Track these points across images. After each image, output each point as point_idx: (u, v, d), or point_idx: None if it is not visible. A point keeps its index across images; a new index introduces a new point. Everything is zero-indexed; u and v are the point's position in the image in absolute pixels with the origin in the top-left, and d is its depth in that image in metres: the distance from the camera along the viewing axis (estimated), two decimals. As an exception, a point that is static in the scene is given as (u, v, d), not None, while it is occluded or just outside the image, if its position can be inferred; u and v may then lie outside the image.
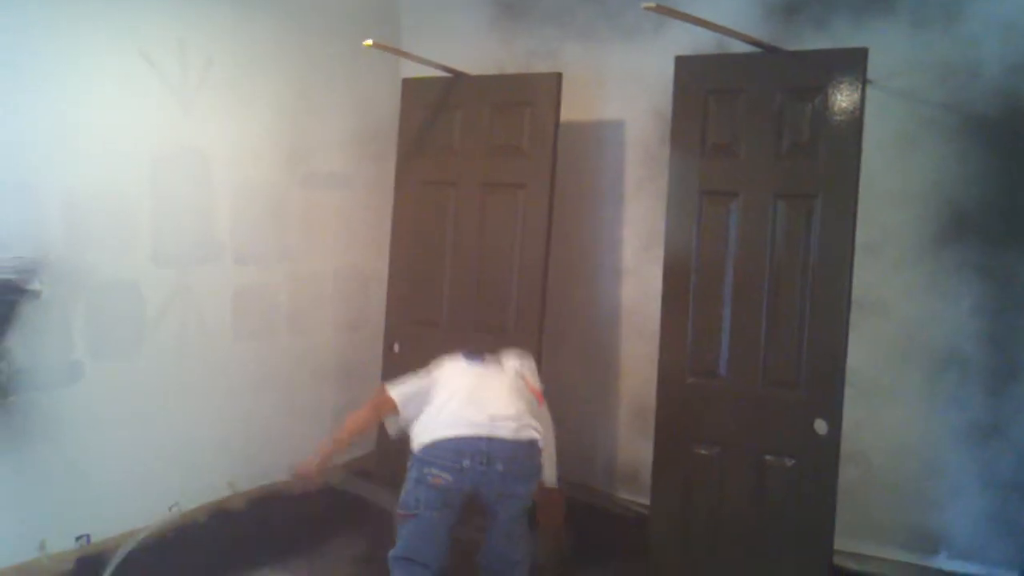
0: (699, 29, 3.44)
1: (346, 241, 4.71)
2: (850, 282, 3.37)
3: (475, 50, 4.70)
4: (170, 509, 3.92)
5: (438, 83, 4.40)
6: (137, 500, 3.82)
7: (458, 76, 4.36)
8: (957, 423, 3.67)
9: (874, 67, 3.46)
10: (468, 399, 3.24)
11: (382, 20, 4.90)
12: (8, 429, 3.38)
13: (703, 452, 3.63)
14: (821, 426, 3.39)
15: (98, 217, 3.63)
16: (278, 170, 4.37)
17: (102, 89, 3.62)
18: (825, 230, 3.39)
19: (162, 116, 3.85)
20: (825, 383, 3.39)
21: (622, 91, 4.39)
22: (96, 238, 3.63)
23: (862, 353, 3.68)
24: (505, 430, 3.13)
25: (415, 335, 4.44)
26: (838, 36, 3.76)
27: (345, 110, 4.71)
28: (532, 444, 3.21)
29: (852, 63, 3.34)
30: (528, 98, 4.18)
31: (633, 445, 4.35)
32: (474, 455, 3.08)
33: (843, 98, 3.36)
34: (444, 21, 4.88)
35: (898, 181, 3.73)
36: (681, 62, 3.67)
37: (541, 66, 4.43)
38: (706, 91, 3.61)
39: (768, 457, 3.51)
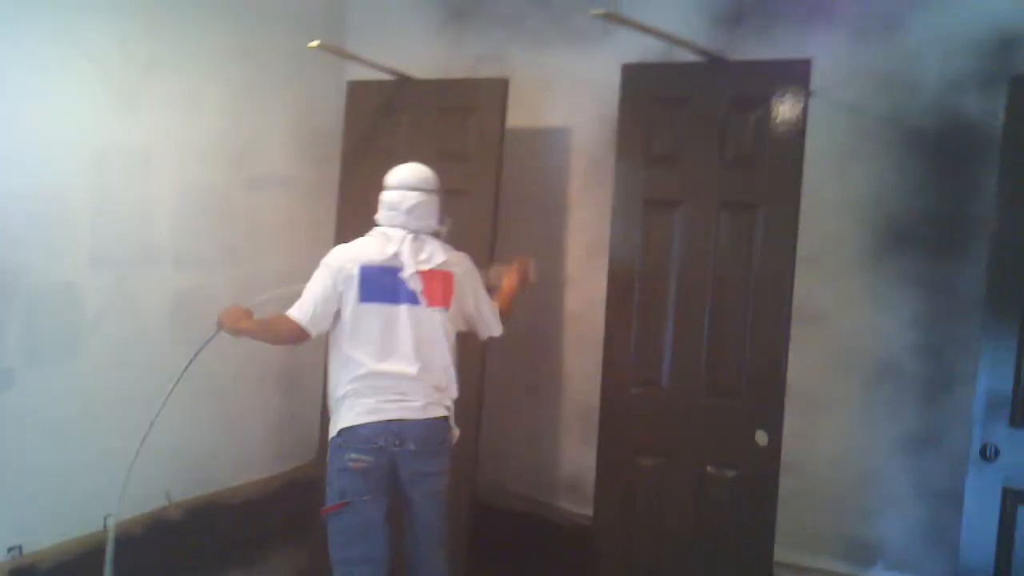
0: (648, 37, 3.44)
1: (290, 244, 4.64)
2: (791, 293, 3.38)
3: (422, 54, 4.65)
4: (105, 520, 3.82)
5: (384, 86, 4.35)
6: (71, 510, 3.74)
7: (404, 80, 4.32)
8: (893, 433, 3.70)
9: (816, 77, 3.46)
10: (377, 374, 3.12)
11: (329, 21, 4.84)
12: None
13: (646, 463, 3.63)
14: (762, 437, 3.40)
15: (32, 217, 3.54)
16: (222, 171, 4.30)
17: (37, 86, 3.53)
18: (767, 241, 3.40)
19: (102, 115, 3.78)
20: (766, 394, 3.40)
21: (569, 98, 4.37)
22: (30, 239, 3.54)
23: (801, 364, 3.67)
24: (413, 411, 3.12)
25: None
26: (782, 46, 3.78)
27: (290, 112, 4.65)
28: (441, 422, 3.20)
29: (796, 73, 3.36)
30: (474, 103, 4.14)
31: (576, 455, 4.34)
32: (387, 436, 3.09)
33: (787, 109, 3.38)
34: (391, 24, 4.83)
35: (838, 192, 3.76)
36: (627, 70, 3.66)
37: (489, 71, 4.39)
38: (652, 99, 3.60)
39: (710, 468, 3.51)
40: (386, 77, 4.33)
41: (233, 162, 4.35)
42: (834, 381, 3.80)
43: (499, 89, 4.10)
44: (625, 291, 3.65)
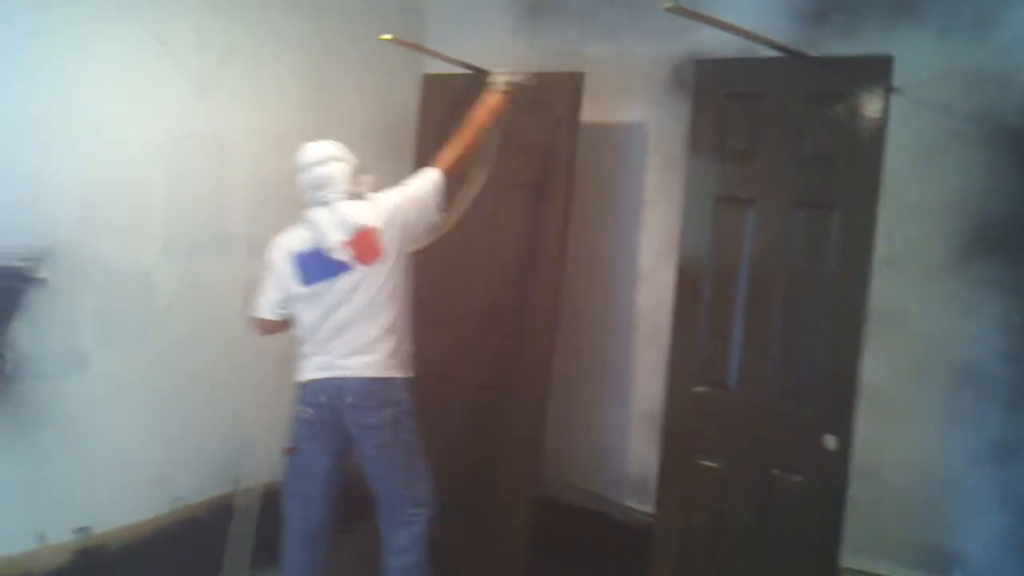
0: (724, 33, 3.37)
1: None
2: (867, 296, 3.28)
3: (500, 48, 4.64)
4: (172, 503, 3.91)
5: (459, 80, 4.34)
6: (140, 493, 3.82)
7: (479, 73, 4.31)
8: (975, 442, 3.57)
9: (901, 75, 3.35)
10: (321, 340, 3.38)
11: (407, 15, 4.86)
12: (12, 418, 3.37)
13: (710, 464, 3.55)
14: (831, 442, 3.30)
15: (110, 205, 3.61)
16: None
17: (116, 75, 3.59)
18: (843, 242, 3.30)
19: (177, 104, 3.82)
20: (837, 398, 3.30)
21: (645, 94, 4.32)
22: (107, 227, 3.61)
23: (880, 367, 3.60)
24: (353, 370, 3.34)
25: (431, 336, 4.35)
26: (866, 43, 3.68)
27: (366, 104, 4.68)
28: (378, 380, 3.37)
29: (876, 71, 3.25)
30: (549, 97, 4.10)
31: (644, 453, 4.29)
32: (329, 391, 3.36)
33: (866, 107, 3.27)
34: (469, 18, 4.84)
35: (922, 193, 3.65)
36: (700, 65, 3.59)
37: (564, 66, 4.35)
38: (725, 95, 3.52)
39: (775, 471, 3.43)
40: (461, 71, 4.33)
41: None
42: (914, 386, 3.69)
43: (574, 83, 4.06)
44: (694, 289, 3.59)
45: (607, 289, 4.46)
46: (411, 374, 3.52)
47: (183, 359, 3.93)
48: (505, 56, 4.55)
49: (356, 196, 3.40)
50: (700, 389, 3.57)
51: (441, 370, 4.30)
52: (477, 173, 3.82)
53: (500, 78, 3.74)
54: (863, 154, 3.27)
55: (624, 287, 4.40)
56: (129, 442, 3.76)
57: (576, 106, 4.05)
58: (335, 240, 3.32)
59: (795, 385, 3.40)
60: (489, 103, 3.70)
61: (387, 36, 3.89)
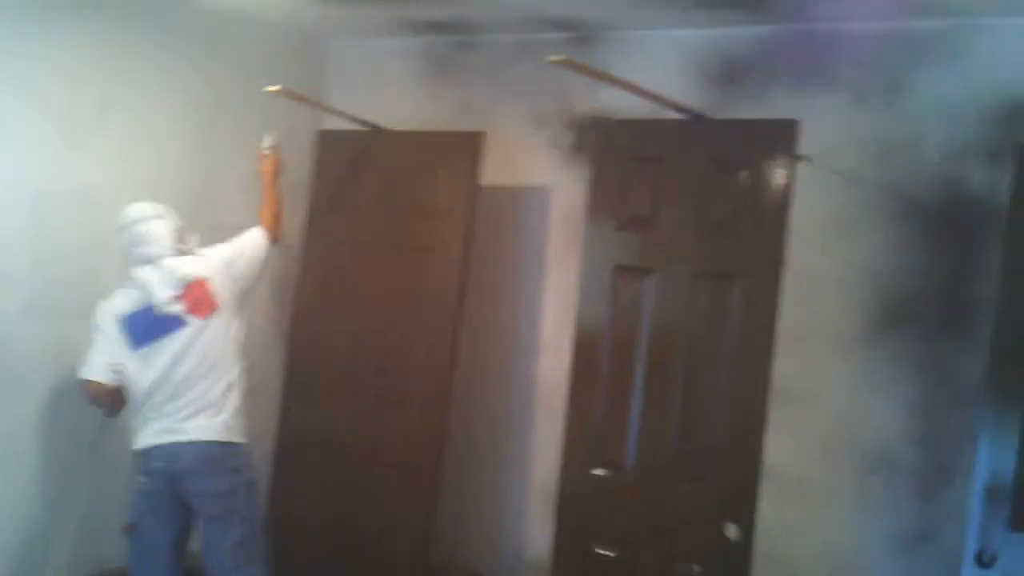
0: (633, 95, 3.23)
1: (252, 298, 4.38)
2: (770, 372, 3.09)
3: (402, 104, 4.44)
4: None
5: (355, 137, 4.14)
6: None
7: (376, 131, 4.11)
8: (886, 528, 3.38)
9: (812, 142, 3.24)
10: (158, 404, 3.23)
11: (303, 67, 4.63)
12: None
13: (605, 553, 3.30)
14: (732, 530, 3.07)
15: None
16: (183, 217, 4.04)
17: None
18: (746, 315, 3.13)
19: (45, 157, 3.56)
20: (739, 482, 3.09)
21: (550, 155, 4.13)
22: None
23: (787, 448, 3.40)
24: (191, 433, 3.19)
25: (315, 403, 4.12)
26: (777, 109, 3.52)
27: (256, 161, 4.43)
28: (217, 444, 3.23)
29: (782, 135, 3.11)
30: (447, 157, 3.92)
31: (543, 534, 3.94)
32: (163, 458, 3.19)
33: (771, 172, 3.12)
34: (371, 73, 4.63)
35: (831, 265, 3.50)
36: (602, 126, 3.43)
37: (471, 124, 4.16)
38: (626, 158, 3.36)
39: (673, 563, 3.19)
40: (359, 128, 4.12)
41: (196, 210, 4.11)
42: (823, 468, 3.49)
43: (474, 143, 3.87)
44: (589, 363, 3.38)
45: (507, 358, 4.22)
46: (247, 440, 3.37)
47: (45, 430, 3.59)
48: (408, 112, 4.38)
49: (183, 253, 3.32)
50: (596, 471, 3.34)
51: (323, 438, 4.05)
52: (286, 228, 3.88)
53: (271, 144, 3.94)
54: (767, 222, 3.11)
55: (524, 357, 4.17)
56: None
57: (476, 166, 3.85)
58: (164, 295, 3.20)
59: (695, 467, 3.19)
60: (272, 167, 3.89)
61: (274, 88, 3.66)
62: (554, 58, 2.82)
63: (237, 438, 3.28)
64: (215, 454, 3.22)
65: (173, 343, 3.20)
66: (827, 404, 3.49)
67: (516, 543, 4.16)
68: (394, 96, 4.51)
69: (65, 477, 3.65)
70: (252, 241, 3.54)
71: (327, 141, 4.26)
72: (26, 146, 3.50)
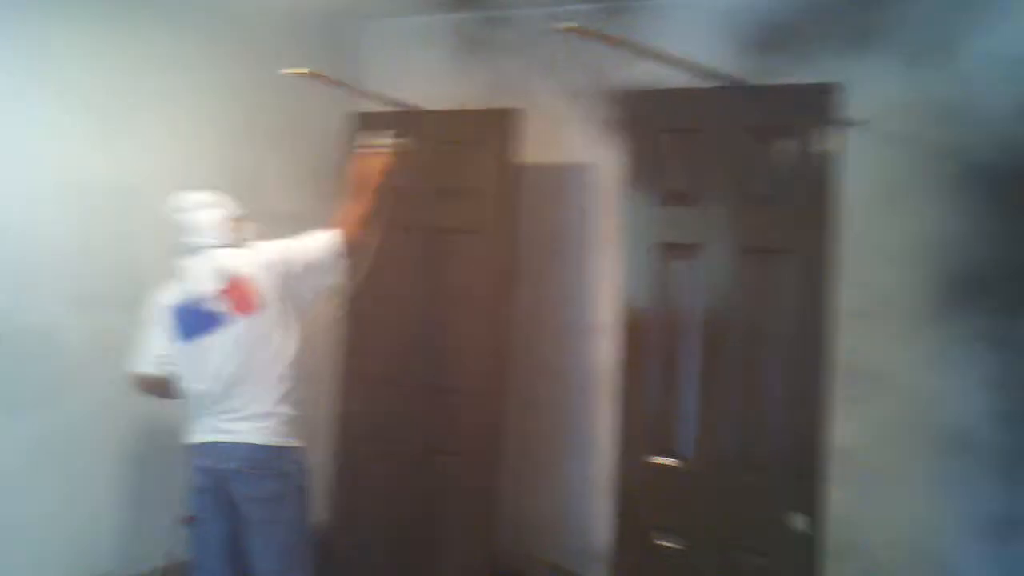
0: (670, 65, 3.04)
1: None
2: (828, 352, 2.89)
3: (436, 83, 4.32)
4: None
5: (388, 119, 3.99)
6: (57, 570, 3.54)
7: (409, 111, 3.96)
8: (970, 512, 3.17)
9: (864, 108, 3.04)
10: (208, 401, 3.12)
11: (337, 52, 4.52)
12: None
13: (666, 544, 3.15)
14: (798, 520, 2.90)
15: (3, 257, 3.35)
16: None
17: (9, 117, 3.34)
18: (799, 291, 2.92)
19: (84, 149, 3.57)
20: (803, 470, 2.90)
21: (591, 131, 3.95)
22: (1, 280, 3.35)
23: (858, 430, 3.23)
24: (239, 434, 3.08)
25: (371, 394, 4.03)
26: (824, 73, 3.24)
27: (299, 145, 4.39)
28: (266, 448, 3.09)
29: (825, 99, 2.86)
30: (485, 135, 3.76)
31: (606, 524, 3.88)
32: (213, 455, 3.10)
33: (816, 140, 2.89)
34: (403, 53, 4.51)
35: (894, 236, 3.29)
36: (632, 98, 3.24)
37: (504, 102, 3.98)
38: (662, 130, 3.15)
39: (737, 555, 3.02)
40: (390, 109, 3.99)
41: (235, 197, 4.06)
42: (897, 450, 3.29)
43: (511, 120, 3.71)
44: (640, 346, 3.21)
45: (564, 343, 4.08)
46: (302, 442, 3.21)
47: (99, 422, 3.63)
48: (442, 91, 4.24)
49: (234, 244, 3.19)
50: (653, 459, 3.18)
51: (379, 430, 3.97)
52: (371, 239, 3.47)
53: (375, 142, 3.57)
54: (815, 193, 2.88)
55: (582, 341, 4.02)
56: (39, 515, 3.49)
57: (514, 144, 3.70)
58: (208, 288, 3.09)
59: (755, 454, 3.01)
60: (370, 168, 3.48)
61: (297, 71, 3.54)
62: (565, 25, 2.62)
63: (288, 442, 3.14)
64: (263, 457, 3.09)
65: (220, 339, 3.07)
66: (898, 384, 3.28)
67: (579, 532, 4.04)
68: (427, 76, 4.39)
69: (119, 466, 3.71)
70: (314, 244, 3.24)
71: (364, 124, 4.11)
72: (66, 139, 3.52)
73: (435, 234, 3.87)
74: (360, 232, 3.33)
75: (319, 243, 3.23)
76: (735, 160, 3.02)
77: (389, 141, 3.55)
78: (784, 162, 2.94)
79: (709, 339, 3.09)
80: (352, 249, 3.29)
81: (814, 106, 2.86)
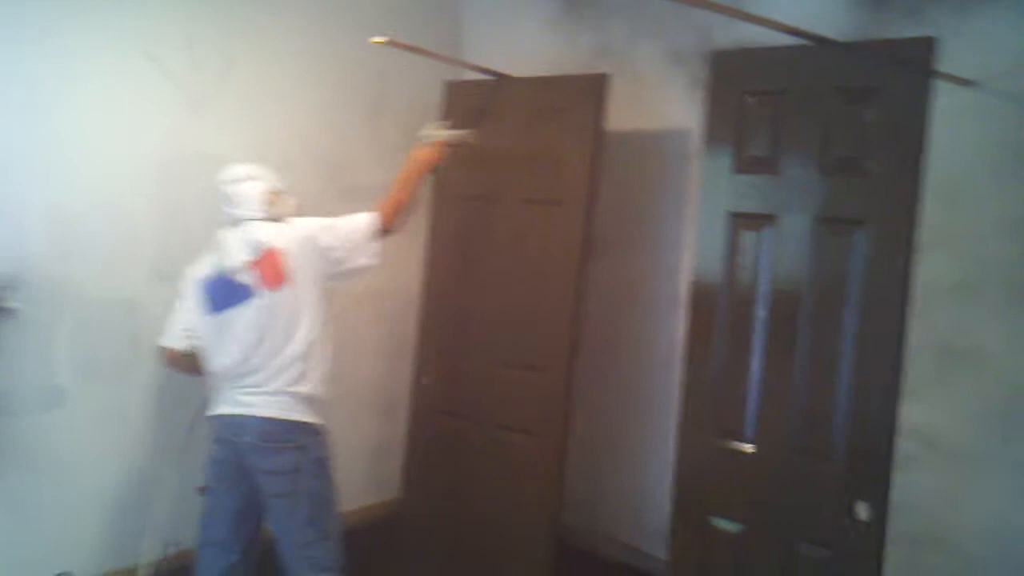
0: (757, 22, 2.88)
1: (392, 260, 4.32)
2: (904, 332, 2.68)
3: (537, 49, 4.27)
4: (166, 549, 3.63)
5: (480, 86, 3.97)
6: (129, 537, 3.58)
7: (500, 79, 3.91)
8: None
9: (980, 65, 2.87)
10: (230, 374, 3.12)
11: (439, 16, 4.50)
12: (-21, 457, 3.23)
13: (725, 528, 3.01)
14: (863, 510, 2.71)
15: (90, 230, 3.41)
16: (315, 180, 4.05)
17: (97, 92, 3.39)
18: (877, 265, 2.71)
19: (169, 121, 3.60)
20: (869, 456, 2.71)
21: (690, 95, 3.80)
22: (87, 253, 3.41)
23: (947, 412, 3.06)
24: (255, 407, 3.07)
25: (444, 367, 4.03)
26: (938, 28, 3.05)
27: (395, 116, 4.35)
28: (279, 422, 3.06)
29: (919, 56, 2.65)
30: (572, 102, 3.67)
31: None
32: (231, 429, 3.10)
33: (904, 100, 2.67)
34: (505, 18, 4.46)
35: (1004, 204, 3.02)
36: (715, 57, 3.07)
37: (606, 66, 3.88)
38: (743, 92, 2.99)
39: (797, 543, 2.85)
40: (483, 77, 3.95)
41: (328, 170, 4.12)
42: (990, 433, 3.05)
43: (597, 86, 3.61)
44: (707, 324, 3.07)
45: (645, 317, 3.96)
46: (321, 421, 3.16)
47: (174, 391, 3.64)
48: (544, 56, 4.17)
49: (273, 218, 3.18)
50: (714, 439, 3.04)
51: (450, 406, 3.97)
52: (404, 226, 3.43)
53: (432, 133, 3.54)
54: (899, 159, 2.67)
55: (664, 315, 3.89)
56: (114, 482, 3.56)
57: (599, 110, 3.59)
58: (239, 260, 3.09)
59: (820, 439, 2.82)
60: (421, 158, 3.46)
61: (381, 39, 3.51)
62: None
63: (306, 417, 3.10)
64: (278, 430, 3.06)
65: (246, 312, 3.07)
66: (996, 363, 3.04)
67: (648, 510, 3.93)
68: (531, 42, 4.33)
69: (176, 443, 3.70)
70: (351, 223, 3.21)
71: (453, 92, 4.10)
72: (151, 111, 3.54)
73: (518, 204, 3.81)
74: (397, 219, 3.31)
75: (356, 223, 3.20)
76: (821, 123, 2.84)
77: (444, 133, 3.54)
78: (873, 125, 2.73)
79: (778, 315, 2.93)
80: (386, 234, 3.28)
81: (906, 63, 2.64)
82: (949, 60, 2.83)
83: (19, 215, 3.25)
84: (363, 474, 4.48)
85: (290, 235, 3.12)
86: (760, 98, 2.98)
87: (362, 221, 3.21)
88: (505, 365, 3.79)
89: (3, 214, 3.22)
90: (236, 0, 3.77)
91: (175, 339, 3.23)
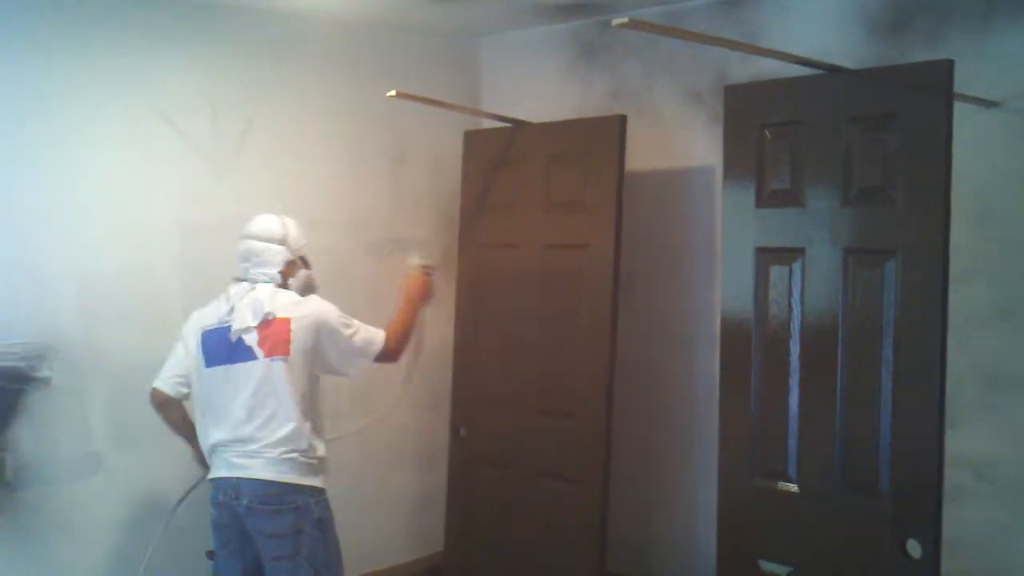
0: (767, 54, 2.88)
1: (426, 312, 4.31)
2: (943, 361, 2.59)
3: (555, 94, 4.28)
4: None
5: (499, 135, 3.98)
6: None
7: (518, 126, 3.91)
8: None
9: (1003, 86, 2.87)
10: (223, 435, 3.04)
11: (457, 67, 4.52)
12: (15, 528, 3.24)
13: (773, 572, 2.90)
14: (915, 548, 2.61)
15: (118, 296, 3.49)
16: (339, 236, 4.07)
17: (122, 159, 3.49)
18: (909, 293, 2.64)
19: (192, 185, 3.68)
20: (918, 491, 2.62)
21: (711, 132, 3.77)
22: (115, 318, 3.47)
23: (999, 441, 2.98)
24: (250, 470, 3.00)
25: (481, 418, 4.00)
26: (956, 51, 2.98)
27: (417, 169, 4.38)
28: (276, 484, 2.99)
29: (935, 80, 2.60)
30: (588, 146, 3.67)
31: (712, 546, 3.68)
32: (226, 490, 3.05)
33: (925, 125, 2.61)
34: (523, 66, 4.49)
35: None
36: (730, 92, 3.05)
37: (624, 108, 3.87)
38: (760, 125, 2.95)
39: (849, 585, 2.76)
40: (500, 125, 3.96)
41: (352, 226, 4.13)
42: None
43: (615, 127, 3.60)
44: (740, 359, 3.00)
45: (683, 355, 3.91)
46: (320, 483, 3.08)
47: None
48: (562, 101, 4.18)
49: (284, 285, 3.13)
50: (754, 478, 2.97)
51: (491, 452, 3.96)
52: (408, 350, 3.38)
53: (414, 261, 3.48)
54: (924, 185, 2.61)
55: (702, 352, 3.82)
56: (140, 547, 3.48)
57: (619, 151, 3.59)
58: (246, 321, 3.02)
59: (865, 476, 2.74)
60: (414, 286, 3.41)
61: (391, 93, 3.52)
62: (617, 21, 2.46)
63: (304, 479, 3.03)
64: (275, 492, 2.99)
65: (241, 373, 3.00)
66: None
67: (691, 552, 3.86)
68: (548, 87, 4.34)
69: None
70: (358, 342, 3.14)
71: (472, 141, 4.12)
72: (174, 176, 3.62)
73: (543, 250, 3.80)
74: (404, 343, 3.29)
75: (364, 336, 3.14)
76: (841, 152, 2.78)
77: (419, 263, 3.47)
78: (895, 151, 2.67)
79: (812, 350, 2.85)
80: (389, 359, 3.24)
81: (923, 88, 2.59)
82: (970, 82, 2.79)
83: (48, 281, 3.32)
84: (404, 529, 4.44)
85: (301, 311, 3.05)
86: (778, 130, 2.93)
87: (370, 336, 3.16)
88: (542, 412, 3.76)
89: (33, 281, 3.28)
90: (255, 60, 3.83)
91: (165, 383, 3.15)
